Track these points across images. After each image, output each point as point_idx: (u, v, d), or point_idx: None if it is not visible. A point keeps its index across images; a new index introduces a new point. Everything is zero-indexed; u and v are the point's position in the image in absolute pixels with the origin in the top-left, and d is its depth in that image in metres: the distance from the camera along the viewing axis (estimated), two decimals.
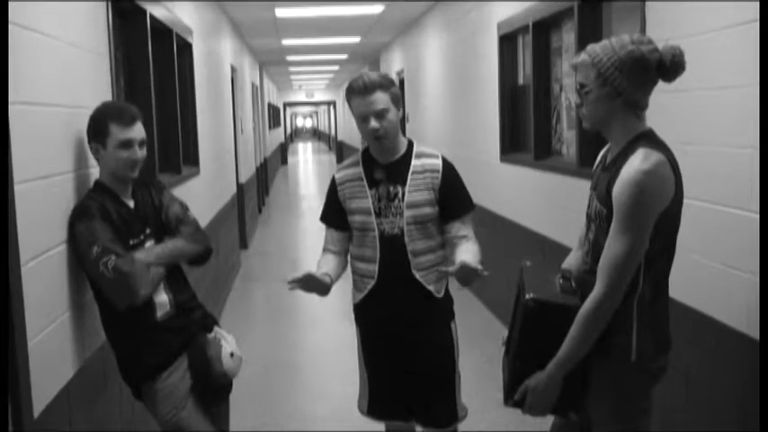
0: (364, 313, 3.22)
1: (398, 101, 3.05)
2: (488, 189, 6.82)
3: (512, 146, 6.40)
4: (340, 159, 30.51)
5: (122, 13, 4.10)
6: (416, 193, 3.02)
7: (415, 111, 11.06)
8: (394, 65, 13.33)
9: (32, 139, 2.47)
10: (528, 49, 5.91)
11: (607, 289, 2.27)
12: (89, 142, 2.91)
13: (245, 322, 7.07)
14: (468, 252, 2.97)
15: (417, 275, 3.07)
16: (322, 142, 53.90)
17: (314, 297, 8.67)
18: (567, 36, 5.25)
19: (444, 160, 3.09)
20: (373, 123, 3.00)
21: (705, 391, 3.23)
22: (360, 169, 3.12)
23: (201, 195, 6.31)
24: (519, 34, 6.20)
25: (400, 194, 3.03)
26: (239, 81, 10.83)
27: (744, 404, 2.93)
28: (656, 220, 2.24)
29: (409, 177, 3.03)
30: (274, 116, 25.08)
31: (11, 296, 2.27)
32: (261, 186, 15.21)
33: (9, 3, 2.33)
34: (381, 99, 2.99)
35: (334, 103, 33.55)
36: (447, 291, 3.16)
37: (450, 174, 3.05)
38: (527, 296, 2.36)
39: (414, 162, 3.05)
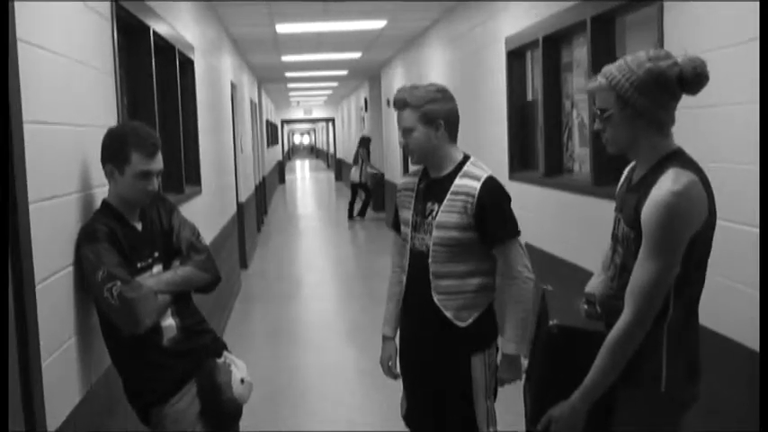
0: (401, 319, 3.30)
1: (431, 120, 3.03)
2: None
3: (521, 163, 6.38)
4: (339, 177, 30.53)
5: (126, 30, 4.09)
6: (447, 214, 2.99)
7: None
8: (395, 81, 13.35)
9: (37, 158, 2.44)
10: (537, 64, 5.90)
11: (636, 315, 2.22)
12: (104, 163, 2.89)
13: (247, 344, 7.03)
14: (509, 329, 2.97)
15: (436, 298, 3.04)
16: (320, 160, 53.98)
17: (316, 318, 8.66)
18: (579, 51, 5.25)
19: (486, 183, 2.97)
20: (400, 139, 3.11)
21: (727, 417, 3.19)
22: (415, 180, 3.18)
23: (203, 214, 6.29)
24: (528, 49, 6.19)
25: (434, 212, 3.03)
26: (239, 98, 10.84)
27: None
28: (688, 244, 2.20)
29: (447, 197, 3.01)
30: (272, 133, 25.13)
31: (27, 324, 2.25)
32: (260, 205, 15.20)
33: (14, 16, 2.31)
34: (407, 117, 3.05)
35: (332, 120, 33.61)
36: (479, 321, 3.03)
37: (488, 197, 2.95)
38: (550, 322, 2.32)
39: (456, 181, 3.01)
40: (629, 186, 2.42)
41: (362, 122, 19.64)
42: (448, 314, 3.02)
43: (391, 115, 14.02)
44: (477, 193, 2.95)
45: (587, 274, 4.51)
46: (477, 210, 2.95)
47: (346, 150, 27.32)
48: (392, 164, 14.15)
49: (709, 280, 2.34)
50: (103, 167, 2.89)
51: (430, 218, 3.03)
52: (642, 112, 2.27)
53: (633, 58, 2.29)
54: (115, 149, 2.85)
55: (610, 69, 2.32)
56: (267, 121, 21.18)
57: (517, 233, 2.98)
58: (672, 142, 2.34)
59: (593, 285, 2.57)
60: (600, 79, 2.33)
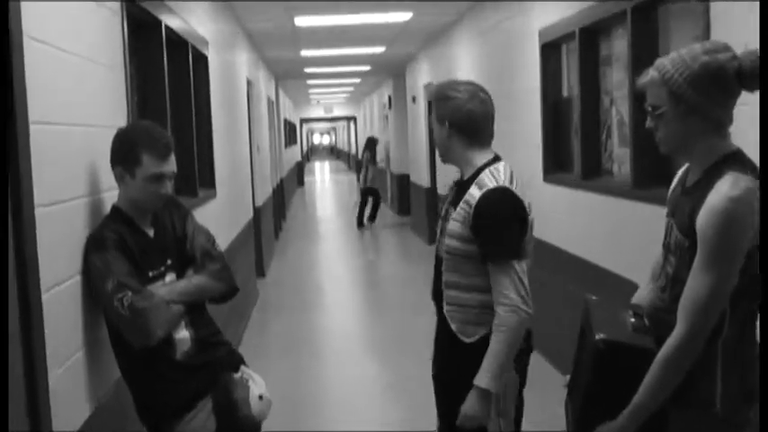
0: None
1: (441, 120, 3.01)
2: (533, 212, 6.76)
3: (556, 164, 6.35)
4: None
5: (137, 25, 4.11)
6: (454, 222, 2.95)
7: None
8: (420, 77, 13.34)
9: (43, 161, 2.45)
10: (573, 58, 5.87)
11: (689, 331, 2.18)
12: (113, 165, 2.90)
13: (264, 357, 7.04)
14: (485, 359, 2.84)
15: (445, 308, 3.04)
16: (341, 161, 54.07)
17: (338, 329, 8.67)
18: (618, 43, 5.21)
19: (486, 195, 2.86)
20: None
21: None
22: (453, 181, 3.19)
23: (218, 220, 6.31)
24: (563, 42, 6.16)
25: (449, 218, 3.02)
26: (255, 96, 10.87)
27: None
28: (746, 254, 2.15)
29: (460, 203, 2.96)
30: (290, 133, 25.20)
31: (33, 337, 2.25)
32: (277, 210, 15.24)
33: (19, 13, 2.32)
34: (432, 115, 3.09)
35: (354, 119, 33.65)
36: (486, 339, 2.90)
37: (484, 210, 2.85)
38: (596, 336, 2.29)
39: (470, 188, 2.95)
40: (684, 190, 2.36)
41: (386, 121, 19.64)
42: (453, 326, 2.99)
43: (416, 113, 14.01)
44: (475, 203, 2.88)
45: (629, 285, 4.49)
46: (474, 222, 2.87)
47: None
48: (419, 165, 14.13)
49: None
50: (113, 170, 2.90)
51: (446, 223, 3.03)
52: (696, 110, 2.22)
53: (688, 51, 2.24)
54: (125, 151, 2.86)
55: (663, 62, 2.27)
56: (285, 120, 21.25)
57: (510, 256, 2.83)
58: (730, 143, 2.28)
59: (642, 297, 2.53)
60: (652, 73, 2.28)
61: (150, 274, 2.87)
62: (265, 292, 10.02)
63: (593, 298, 2.57)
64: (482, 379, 2.84)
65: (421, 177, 13.80)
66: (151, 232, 2.97)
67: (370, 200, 16.84)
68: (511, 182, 2.89)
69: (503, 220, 2.86)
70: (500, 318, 2.83)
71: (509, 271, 2.83)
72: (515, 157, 7.35)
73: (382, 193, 21.45)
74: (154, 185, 2.86)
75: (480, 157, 2.99)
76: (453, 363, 2.99)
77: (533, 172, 6.67)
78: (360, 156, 17.08)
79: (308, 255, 13.46)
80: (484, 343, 2.88)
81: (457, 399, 2.91)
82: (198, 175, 5.40)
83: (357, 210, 16.73)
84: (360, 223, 16.46)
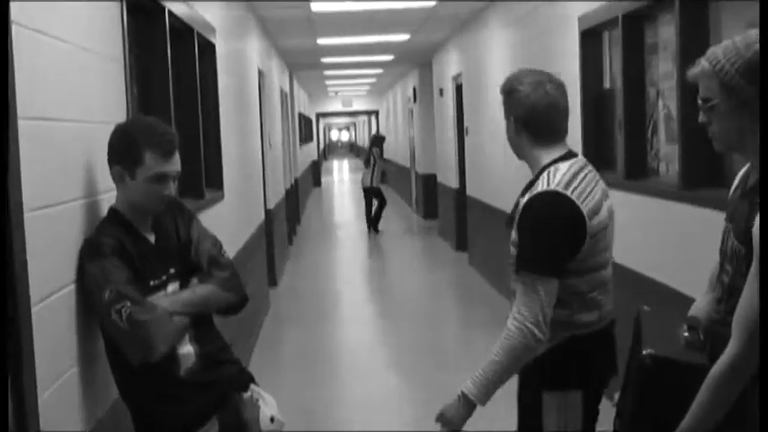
0: None
1: (509, 113, 3.02)
2: None
3: (596, 163, 6.25)
4: (383, 179, 30.49)
5: (138, 10, 4.12)
6: (514, 228, 2.99)
7: (477, 123, 11.01)
8: (449, 68, 13.33)
9: (34, 160, 2.46)
10: (616, 46, 5.83)
11: (743, 347, 2.15)
12: (111, 164, 2.90)
13: (277, 373, 7.04)
14: (479, 367, 2.87)
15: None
16: (360, 159, 54.15)
17: (357, 343, 8.67)
18: (666, 30, 5.18)
19: (530, 199, 2.88)
20: None
21: None
22: None
23: (226, 224, 6.32)
24: (605, 29, 6.13)
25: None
26: (267, 88, 10.90)
27: None
28: None
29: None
30: (306, 129, 25.25)
31: (22, 351, 2.25)
32: (291, 213, 15.27)
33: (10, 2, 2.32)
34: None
35: (376, 113, 33.69)
36: (554, 354, 2.93)
37: (523, 216, 2.89)
38: (644, 351, 2.27)
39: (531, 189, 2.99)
40: (743, 192, 2.34)
41: (410, 115, 19.65)
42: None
43: (444, 107, 14.00)
44: (521, 209, 2.91)
45: (680, 297, 4.45)
46: (517, 228, 2.91)
47: (392, 148, 27.36)
48: (447, 164, 14.12)
49: None
50: (111, 170, 2.90)
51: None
52: (749, 103, 2.19)
53: (742, 38, 2.22)
54: (125, 149, 2.86)
55: (714, 51, 2.25)
56: (300, 115, 21.29)
57: (534, 269, 2.82)
58: None
59: (699, 308, 2.50)
60: (703, 63, 2.25)
61: (151, 283, 2.87)
62: (278, 302, 10.04)
63: (646, 309, 2.55)
64: (467, 385, 2.86)
65: (449, 178, 13.79)
66: (152, 237, 2.97)
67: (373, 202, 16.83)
68: (568, 185, 2.85)
69: (537, 229, 2.84)
70: (507, 331, 2.83)
71: (530, 286, 2.82)
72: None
73: (405, 195, 21.48)
74: (156, 186, 2.86)
75: (547, 155, 2.98)
76: (523, 374, 3.02)
77: None
78: (370, 153, 17.02)
79: (325, 261, 13.47)
80: (551, 357, 2.90)
81: (529, 413, 2.97)
82: (204, 175, 5.41)
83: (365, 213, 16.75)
84: (373, 227, 16.45)
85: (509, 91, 3.00)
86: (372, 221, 16.54)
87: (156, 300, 2.84)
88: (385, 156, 30.20)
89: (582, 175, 2.91)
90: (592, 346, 2.92)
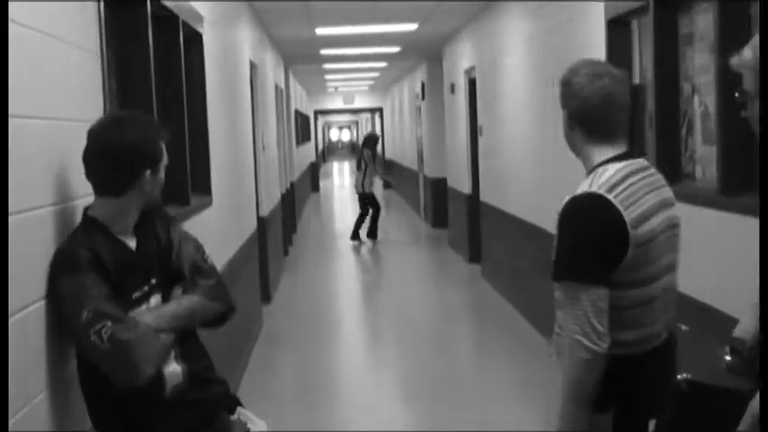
0: None
1: (564, 106, 3.05)
2: None
3: None
4: (388, 184, 30.53)
5: None
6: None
7: (491, 121, 11.00)
8: (461, 61, 13.32)
9: None
10: (647, 36, 5.82)
11: None
12: (139, 172, 2.91)
13: (268, 399, 7.03)
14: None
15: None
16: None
17: (359, 368, 8.63)
18: (702, 19, 5.16)
19: (570, 200, 2.94)
20: None
21: None
22: None
23: (215, 233, 6.31)
24: (634, 17, 6.12)
25: None
26: (261, 82, 10.91)
27: None
28: None
29: None
30: (303, 127, 25.28)
31: None
32: (287, 220, 15.27)
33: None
34: None
35: (380, 111, 33.71)
36: None
37: (560, 219, 2.95)
38: (680, 376, 2.25)
39: None
40: None
41: (418, 113, 19.65)
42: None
43: (456, 104, 13.99)
44: (558, 214, 2.95)
45: (720, 316, 4.42)
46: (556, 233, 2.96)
47: (398, 149, 27.37)
48: (458, 166, 14.11)
49: None
50: (138, 178, 2.92)
51: None
52: None
53: None
54: (153, 148, 2.95)
55: (758, 40, 2.25)
56: (296, 112, 21.30)
57: (572, 277, 2.85)
58: None
59: (744, 330, 2.49)
60: (746, 53, 2.24)
61: (134, 295, 2.88)
62: (271, 321, 10.03)
63: (683, 328, 2.53)
64: (554, 422, 2.90)
65: (461, 182, 13.78)
66: (133, 243, 2.97)
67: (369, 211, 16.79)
68: (612, 189, 2.86)
69: (574, 234, 2.87)
70: (558, 348, 2.86)
71: (572, 296, 2.82)
72: (572, 157, 7.32)
73: (412, 201, 21.48)
74: (163, 174, 3.02)
75: (599, 154, 3.00)
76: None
77: None
78: (361, 155, 16.98)
79: (324, 275, 13.46)
80: None
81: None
82: (190, 178, 5.40)
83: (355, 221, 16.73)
84: (355, 235, 16.43)
85: (565, 83, 3.02)
86: (369, 231, 16.48)
87: (139, 315, 2.84)
88: (388, 157, 30.38)
89: (634, 178, 2.91)
90: (628, 369, 2.89)
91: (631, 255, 2.82)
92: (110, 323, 2.70)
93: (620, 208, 2.82)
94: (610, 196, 2.83)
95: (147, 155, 2.93)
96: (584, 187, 2.89)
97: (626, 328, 2.88)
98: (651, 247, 2.87)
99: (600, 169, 2.92)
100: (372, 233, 16.58)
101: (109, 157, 2.88)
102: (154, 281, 2.97)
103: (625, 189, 2.86)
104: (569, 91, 2.99)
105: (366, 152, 16.92)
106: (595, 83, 2.94)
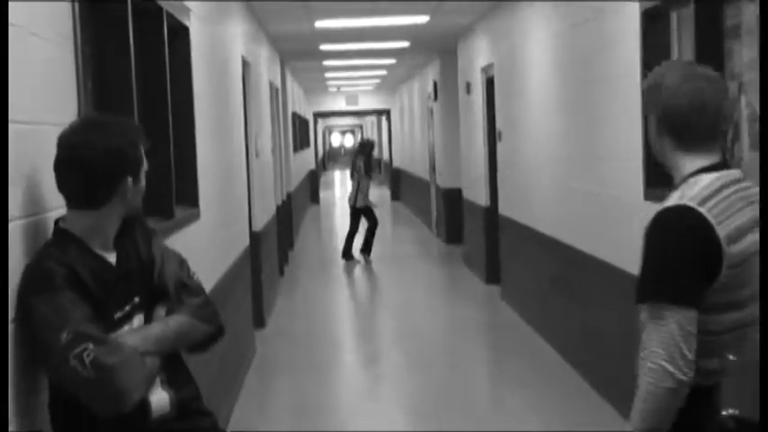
0: None
1: (650, 111, 3.06)
2: (626, 242, 6.68)
3: (663, 174, 6.26)
4: (396, 195, 30.56)
5: None
6: None
7: (512, 125, 10.99)
8: (478, 57, 13.32)
9: None
10: (687, 29, 5.81)
11: None
12: (119, 180, 2.91)
13: None
14: None
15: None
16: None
17: (362, 398, 8.63)
18: (750, 8, 5.15)
19: (658, 214, 2.95)
20: None
21: None
22: None
23: (202, 249, 6.30)
24: (672, 8, 6.12)
25: None
26: (254, 81, 10.92)
27: None
28: None
29: None
30: (301, 132, 25.30)
31: None
32: (283, 236, 15.27)
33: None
34: None
35: (387, 113, 33.74)
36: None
37: (648, 234, 2.98)
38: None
39: None
40: None
41: (430, 116, 19.66)
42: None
43: (472, 106, 13.98)
44: (645, 229, 2.99)
45: None
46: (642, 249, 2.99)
47: (407, 156, 27.38)
48: (474, 176, 14.10)
49: None
50: (117, 186, 2.92)
51: None
52: None
53: None
54: (134, 153, 2.97)
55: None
56: (294, 115, 21.33)
57: (657, 297, 2.86)
58: None
59: None
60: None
61: (116, 315, 2.88)
62: (265, 347, 10.01)
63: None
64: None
65: (477, 193, 13.76)
66: (113, 258, 2.96)
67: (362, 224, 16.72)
68: (704, 201, 2.87)
69: (663, 249, 2.89)
70: (641, 368, 2.87)
71: (657, 316, 2.85)
72: (604, 164, 7.31)
73: (423, 214, 21.46)
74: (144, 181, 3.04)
75: (691, 163, 3.02)
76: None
77: (630, 185, 6.60)
78: (354, 164, 16.99)
79: (324, 297, 13.43)
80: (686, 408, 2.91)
81: None
82: (175, 189, 5.39)
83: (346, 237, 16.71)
84: (346, 253, 16.41)
85: (651, 85, 3.03)
86: (363, 245, 16.43)
87: (122, 337, 2.85)
88: (398, 165, 30.40)
89: (729, 191, 2.91)
90: (699, 400, 2.89)
91: (725, 274, 2.83)
92: (92, 345, 2.69)
93: (714, 222, 2.83)
94: (702, 209, 2.84)
95: (128, 160, 2.93)
96: (673, 199, 2.90)
97: (711, 356, 2.89)
98: (746, 266, 2.87)
99: (691, 180, 2.93)
100: (366, 248, 16.55)
101: (85, 166, 2.85)
102: (137, 299, 2.98)
103: (719, 202, 2.87)
104: (657, 94, 2.99)
105: (358, 163, 16.89)
106: (686, 86, 2.95)
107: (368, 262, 16.31)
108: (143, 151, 3.01)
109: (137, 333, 2.90)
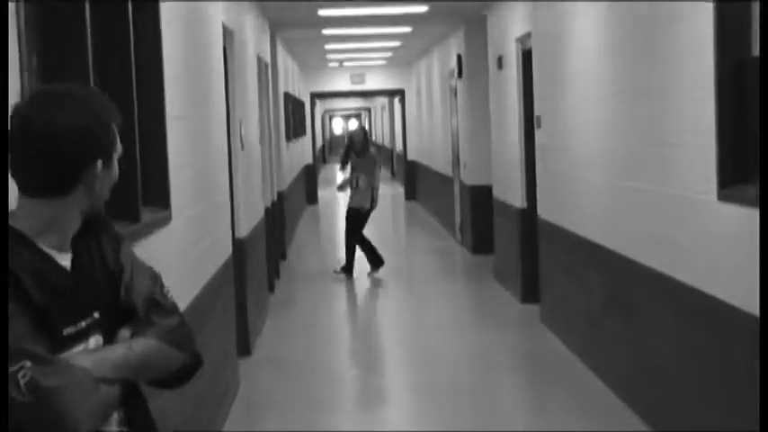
0: None
1: None
2: (697, 251, 6.69)
3: (740, 171, 6.26)
4: (411, 194, 30.51)
5: None
6: None
7: (554, 108, 10.97)
8: (512, 25, 13.33)
9: None
10: None
11: None
12: (86, 162, 2.88)
13: None
14: None
15: None
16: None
17: None
18: None
19: None
20: None
21: None
22: None
23: (174, 260, 6.31)
24: None
25: None
26: (237, 54, 10.94)
27: None
28: None
29: None
30: (296, 117, 25.28)
31: None
32: (273, 244, 15.26)
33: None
34: None
35: (401, 94, 33.74)
36: None
37: None
38: None
39: None
40: None
41: (453, 97, 19.64)
42: None
43: (505, 84, 13.96)
44: None
45: None
46: None
47: (425, 147, 27.36)
48: (508, 171, 14.08)
49: None
50: (86, 170, 2.89)
51: None
52: None
53: None
54: (103, 128, 2.92)
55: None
56: (287, 96, 21.31)
57: None
58: None
59: None
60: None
61: (65, 331, 2.84)
62: (251, 379, 10.02)
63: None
64: None
65: (511, 191, 13.77)
66: (66, 260, 2.93)
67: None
68: None
69: None
70: None
71: None
72: (667, 159, 7.28)
73: (445, 217, 21.43)
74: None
75: None
76: None
77: (700, 183, 6.58)
78: (344, 155, 16.95)
79: (323, 318, 13.44)
80: None
81: None
82: (141, 187, 5.39)
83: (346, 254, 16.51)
84: (348, 268, 16.30)
85: None
86: (350, 261, 16.24)
87: (73, 358, 2.81)
88: (413, 157, 30.40)
89: None
90: None
91: None
92: (29, 364, 2.66)
93: None
94: None
95: (99, 140, 2.90)
96: None
97: None
98: None
99: None
100: (375, 261, 16.38)
101: (47, 145, 2.83)
102: (96, 315, 2.94)
103: None
104: None
105: (353, 153, 16.76)
106: None
107: (375, 272, 16.24)
108: (116, 131, 2.97)
109: (92, 354, 2.87)
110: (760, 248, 2.63)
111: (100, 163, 2.90)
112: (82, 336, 2.88)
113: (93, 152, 2.89)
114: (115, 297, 3.03)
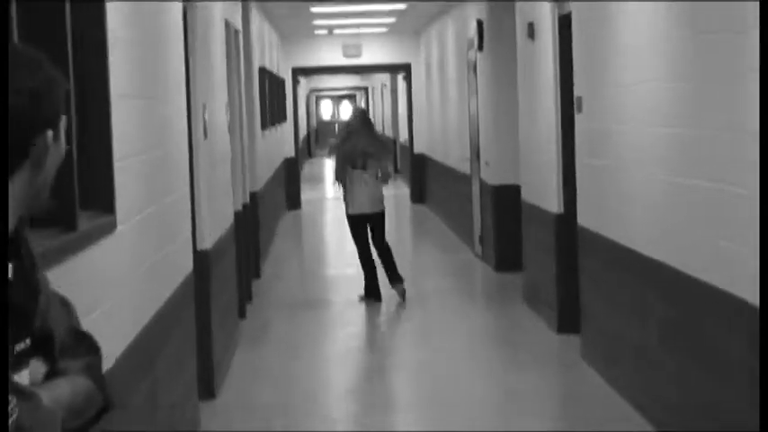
0: None
1: None
2: None
3: None
4: (418, 196, 30.53)
5: None
6: None
7: (599, 89, 10.98)
8: None
9: None
10: None
11: None
12: (35, 133, 2.90)
13: None
14: None
15: None
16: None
17: None
18: None
19: None
20: None
21: None
22: None
23: (120, 276, 6.31)
24: None
25: None
26: (200, 19, 10.97)
27: None
28: None
29: None
30: (275, 98, 25.31)
31: None
32: (245, 258, 15.29)
33: None
34: None
35: (407, 70, 33.81)
36: None
37: None
38: None
39: None
40: None
41: (472, 74, 19.67)
42: None
43: (537, 59, 13.98)
44: None
45: None
46: None
47: (436, 137, 27.40)
48: (539, 169, 14.09)
49: None
50: (33, 144, 2.91)
51: None
52: None
53: None
54: (53, 95, 2.95)
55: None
56: (263, 71, 21.34)
57: None
58: None
59: None
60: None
61: (17, 348, 2.89)
62: (215, 427, 10.05)
63: None
64: None
65: (544, 193, 13.78)
66: (9, 268, 2.94)
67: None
68: None
69: None
70: None
71: None
72: (742, 156, 7.26)
73: (462, 225, 21.46)
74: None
75: None
76: None
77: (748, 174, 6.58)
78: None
79: (307, 351, 13.45)
80: None
81: None
82: (78, 187, 5.40)
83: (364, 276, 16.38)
84: (375, 292, 16.21)
85: None
86: (389, 274, 16.21)
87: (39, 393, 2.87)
88: (421, 150, 30.44)
89: None
90: None
91: None
92: (15, 400, 2.70)
93: None
94: None
95: (48, 108, 2.92)
96: None
97: None
98: None
99: None
100: (393, 276, 16.21)
101: None
102: (29, 342, 2.96)
103: None
104: None
105: (348, 143, 16.74)
106: None
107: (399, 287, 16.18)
108: (62, 96, 3.00)
109: (46, 389, 2.92)
110: (760, 248, 2.63)
111: (50, 134, 2.93)
112: (25, 357, 2.93)
113: (42, 122, 2.91)
114: (31, 323, 3.03)
